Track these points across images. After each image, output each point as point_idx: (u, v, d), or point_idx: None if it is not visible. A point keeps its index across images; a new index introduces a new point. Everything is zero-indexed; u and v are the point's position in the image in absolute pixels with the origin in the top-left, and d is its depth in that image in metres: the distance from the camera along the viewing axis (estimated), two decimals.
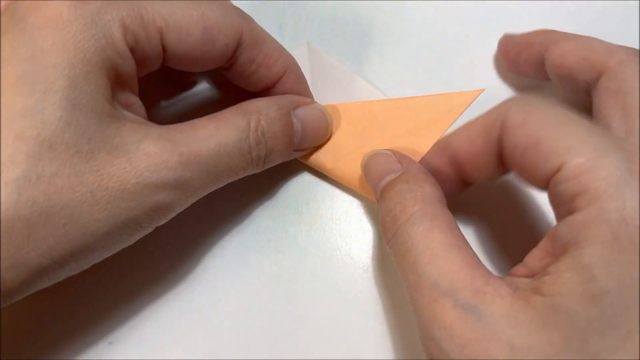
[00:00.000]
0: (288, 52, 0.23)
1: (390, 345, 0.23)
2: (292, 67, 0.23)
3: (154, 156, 0.18)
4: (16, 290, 0.17)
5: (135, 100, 0.20)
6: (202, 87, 0.27)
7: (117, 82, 0.18)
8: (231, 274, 0.24)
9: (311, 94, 0.24)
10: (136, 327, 0.23)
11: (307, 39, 0.27)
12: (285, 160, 0.23)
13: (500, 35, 0.27)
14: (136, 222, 0.18)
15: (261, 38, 0.21)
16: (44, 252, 0.16)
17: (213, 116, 0.20)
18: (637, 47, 0.27)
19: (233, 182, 0.21)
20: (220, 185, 0.21)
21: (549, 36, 0.23)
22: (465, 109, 0.23)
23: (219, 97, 0.27)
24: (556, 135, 0.16)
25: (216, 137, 0.19)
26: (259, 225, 0.25)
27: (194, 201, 0.20)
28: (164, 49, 0.19)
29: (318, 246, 0.25)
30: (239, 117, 0.20)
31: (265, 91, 0.23)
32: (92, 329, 0.23)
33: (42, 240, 0.16)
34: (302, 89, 0.23)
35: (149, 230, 0.20)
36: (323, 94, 0.26)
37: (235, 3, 0.28)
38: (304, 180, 0.26)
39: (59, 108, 0.16)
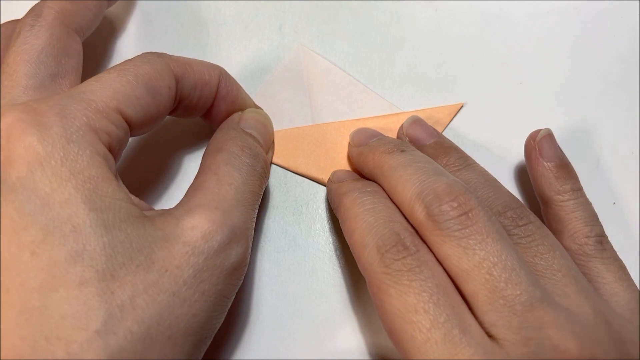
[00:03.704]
0: (206, 61, 0.22)
1: (391, 344, 0.23)
2: (222, 71, 0.23)
3: (201, 225, 0.17)
4: None
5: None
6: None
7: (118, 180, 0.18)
8: None
9: (242, 89, 0.24)
10: None
11: (307, 39, 0.27)
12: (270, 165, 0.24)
13: (498, 34, 0.27)
14: (224, 296, 0.18)
15: (187, 63, 0.21)
16: None
17: (201, 171, 0.20)
18: (637, 47, 0.27)
19: None
20: (256, 213, 0.21)
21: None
22: (450, 121, 0.26)
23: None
24: None
25: (225, 181, 0.19)
26: (259, 225, 0.25)
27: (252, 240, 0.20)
28: (127, 124, 0.18)
29: (318, 246, 0.25)
30: (221, 155, 0.20)
31: (210, 109, 0.23)
32: None
33: None
34: (235, 88, 0.24)
35: (234, 296, 0.19)
36: (319, 96, 0.26)
37: (235, 3, 0.28)
38: (304, 181, 0.26)
39: (96, 236, 0.15)
